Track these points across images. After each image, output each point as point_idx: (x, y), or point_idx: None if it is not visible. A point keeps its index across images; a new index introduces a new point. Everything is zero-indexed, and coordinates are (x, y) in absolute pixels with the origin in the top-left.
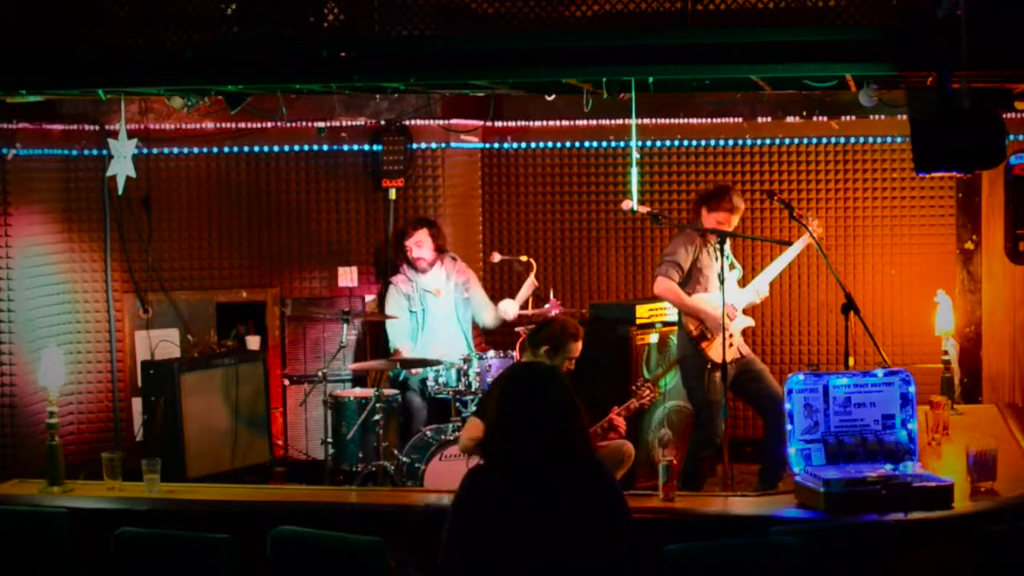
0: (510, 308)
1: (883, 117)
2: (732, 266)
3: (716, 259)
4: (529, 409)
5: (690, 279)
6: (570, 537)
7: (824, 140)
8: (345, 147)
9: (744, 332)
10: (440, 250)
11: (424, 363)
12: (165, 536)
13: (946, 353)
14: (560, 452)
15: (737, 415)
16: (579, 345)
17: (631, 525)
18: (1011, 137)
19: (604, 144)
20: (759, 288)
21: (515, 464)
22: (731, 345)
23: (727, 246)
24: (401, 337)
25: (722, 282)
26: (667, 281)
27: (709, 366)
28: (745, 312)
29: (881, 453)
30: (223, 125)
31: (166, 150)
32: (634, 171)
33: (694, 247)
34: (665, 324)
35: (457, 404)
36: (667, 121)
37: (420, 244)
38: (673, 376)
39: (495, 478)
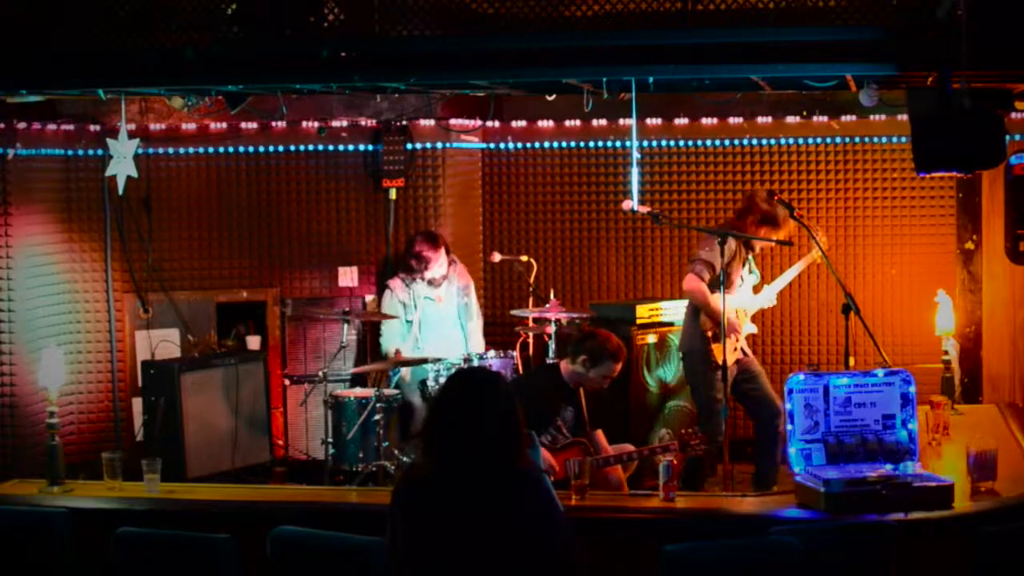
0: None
1: (883, 117)
2: (751, 271)
3: (744, 264)
4: (464, 411)
5: (716, 281)
6: (498, 539)
7: (824, 140)
8: (345, 147)
9: (748, 336)
10: (451, 262)
11: (424, 362)
12: (165, 536)
13: (946, 353)
14: (491, 455)
15: (737, 415)
16: (618, 367)
17: (563, 531)
18: (1011, 137)
19: (604, 144)
20: (769, 296)
21: (447, 463)
22: (735, 349)
23: (755, 251)
24: (395, 340)
25: (722, 284)
26: (697, 280)
27: (712, 365)
28: (753, 319)
29: (881, 453)
30: (223, 125)
31: (166, 150)
32: (634, 171)
33: (730, 251)
34: (667, 324)
35: None
36: (667, 121)
37: (441, 264)
38: (674, 375)
39: (428, 475)
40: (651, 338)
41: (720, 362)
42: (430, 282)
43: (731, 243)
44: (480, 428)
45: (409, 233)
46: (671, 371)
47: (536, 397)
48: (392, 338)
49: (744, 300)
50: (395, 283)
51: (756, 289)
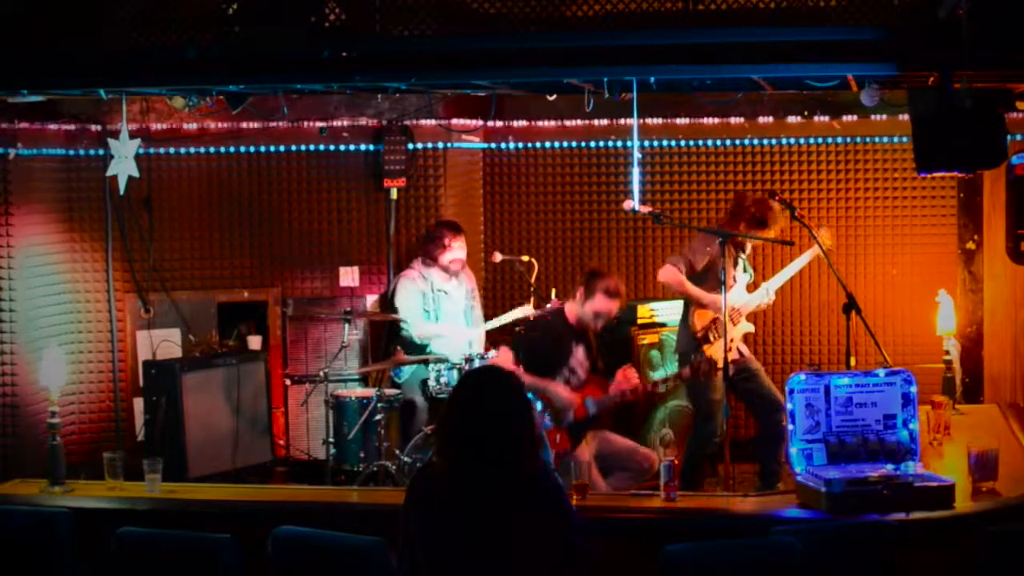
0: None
1: (884, 117)
2: (745, 270)
3: (736, 264)
4: (476, 410)
5: (707, 280)
6: (512, 538)
7: (825, 140)
8: (346, 147)
9: (745, 336)
10: None
11: (425, 362)
12: (166, 536)
13: (947, 353)
14: (504, 455)
15: (738, 415)
16: (612, 304)
17: (577, 530)
18: (1012, 137)
19: (605, 144)
20: (767, 293)
21: (460, 463)
22: (731, 349)
23: (746, 251)
24: (421, 323)
25: (722, 284)
26: (671, 268)
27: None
28: (749, 318)
29: (882, 453)
30: (224, 125)
31: (167, 150)
32: (635, 171)
33: (716, 253)
34: (668, 324)
35: None
36: (668, 121)
37: (461, 249)
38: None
39: (442, 476)
40: (651, 338)
41: (711, 364)
42: (445, 268)
43: (716, 248)
44: (493, 428)
45: (410, 233)
46: (671, 371)
47: (548, 340)
48: (418, 322)
49: (739, 298)
50: (412, 273)
51: (750, 288)
